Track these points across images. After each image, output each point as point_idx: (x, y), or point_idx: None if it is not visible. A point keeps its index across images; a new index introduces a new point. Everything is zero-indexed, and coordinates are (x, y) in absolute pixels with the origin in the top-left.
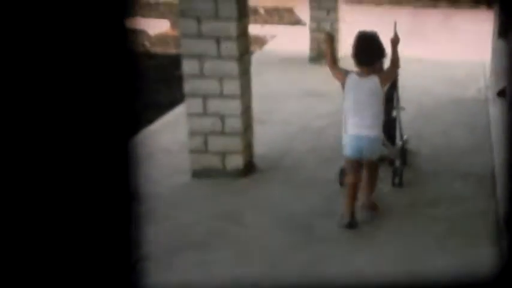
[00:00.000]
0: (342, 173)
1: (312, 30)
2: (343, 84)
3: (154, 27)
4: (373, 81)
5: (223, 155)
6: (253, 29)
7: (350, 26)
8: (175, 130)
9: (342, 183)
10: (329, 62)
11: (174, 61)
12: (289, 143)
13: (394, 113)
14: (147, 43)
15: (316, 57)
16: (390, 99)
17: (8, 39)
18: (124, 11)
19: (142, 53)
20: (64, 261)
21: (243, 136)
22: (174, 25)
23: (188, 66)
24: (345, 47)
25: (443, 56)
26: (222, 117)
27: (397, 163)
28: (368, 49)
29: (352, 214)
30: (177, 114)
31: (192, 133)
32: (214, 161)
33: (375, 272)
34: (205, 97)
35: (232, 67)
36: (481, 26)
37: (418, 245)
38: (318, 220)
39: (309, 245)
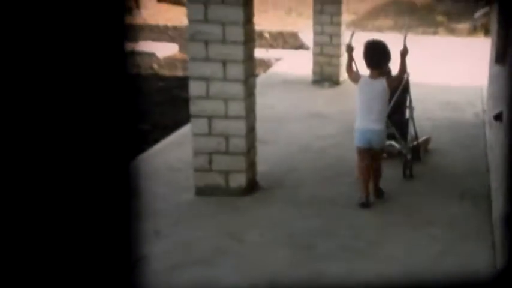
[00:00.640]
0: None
1: (316, 54)
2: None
3: (163, 50)
4: (381, 83)
5: (227, 173)
6: (258, 53)
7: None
8: (181, 149)
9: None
10: (347, 68)
11: (182, 83)
12: (291, 163)
13: (407, 114)
14: (155, 65)
15: (319, 80)
16: (403, 102)
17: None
18: (126, 35)
19: (151, 75)
20: (64, 262)
21: (247, 155)
22: (182, 48)
23: (195, 88)
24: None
25: (442, 81)
26: (227, 137)
27: (409, 157)
28: (375, 54)
29: (367, 195)
30: (183, 133)
31: (197, 152)
32: (218, 179)
33: None
34: (210, 118)
35: (238, 89)
36: (478, 52)
37: (417, 264)
38: (319, 238)
39: (309, 262)
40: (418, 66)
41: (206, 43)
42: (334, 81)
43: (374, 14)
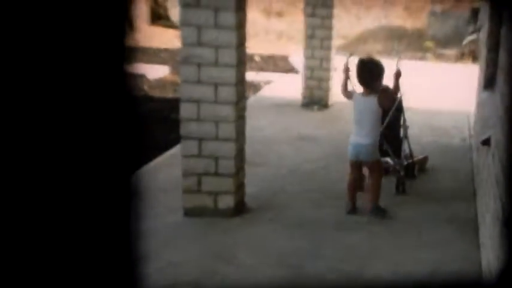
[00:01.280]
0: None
1: (306, 78)
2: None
3: (154, 72)
4: (372, 100)
5: (215, 194)
6: (249, 76)
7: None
8: (170, 170)
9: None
10: (342, 87)
11: (171, 104)
12: (279, 185)
13: (402, 133)
14: (146, 87)
15: (309, 103)
16: (397, 120)
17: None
18: (124, 57)
19: (142, 97)
20: (64, 263)
21: (236, 177)
22: (173, 71)
23: (186, 110)
24: (337, 94)
25: (430, 106)
26: (216, 159)
27: (402, 173)
28: (365, 72)
29: (353, 204)
30: (173, 155)
31: (186, 173)
32: (206, 201)
33: None
34: (200, 139)
35: (229, 112)
36: (466, 78)
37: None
38: (307, 260)
39: (298, 284)
40: (407, 91)
41: (198, 66)
42: (323, 105)
43: (363, 38)
